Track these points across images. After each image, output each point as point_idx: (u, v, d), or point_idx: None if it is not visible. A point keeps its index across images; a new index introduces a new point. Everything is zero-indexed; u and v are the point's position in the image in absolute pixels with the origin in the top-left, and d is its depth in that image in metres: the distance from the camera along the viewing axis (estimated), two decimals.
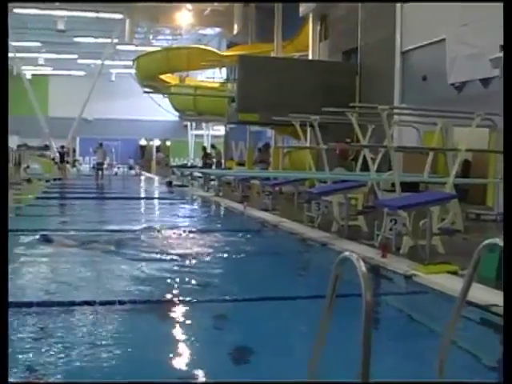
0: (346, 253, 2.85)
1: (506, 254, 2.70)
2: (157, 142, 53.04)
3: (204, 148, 34.84)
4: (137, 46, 40.74)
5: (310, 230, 11.00)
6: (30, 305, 6.13)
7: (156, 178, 35.93)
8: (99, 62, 41.75)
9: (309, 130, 17.12)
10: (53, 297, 6.53)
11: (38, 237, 10.37)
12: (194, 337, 5.25)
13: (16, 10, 34.59)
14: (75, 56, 45.79)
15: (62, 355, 4.71)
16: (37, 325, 5.62)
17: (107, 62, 42.89)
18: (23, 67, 41.50)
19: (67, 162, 35.14)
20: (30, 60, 45.02)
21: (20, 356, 4.69)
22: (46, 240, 10.27)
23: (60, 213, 17.46)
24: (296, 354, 4.76)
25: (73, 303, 6.14)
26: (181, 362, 4.65)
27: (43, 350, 4.85)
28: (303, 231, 11.02)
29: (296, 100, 17.37)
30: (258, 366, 4.60)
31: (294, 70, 19.03)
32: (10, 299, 6.24)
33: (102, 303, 6.10)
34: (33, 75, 46.22)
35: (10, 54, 39.62)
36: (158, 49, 36.24)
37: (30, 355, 4.74)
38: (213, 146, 33.44)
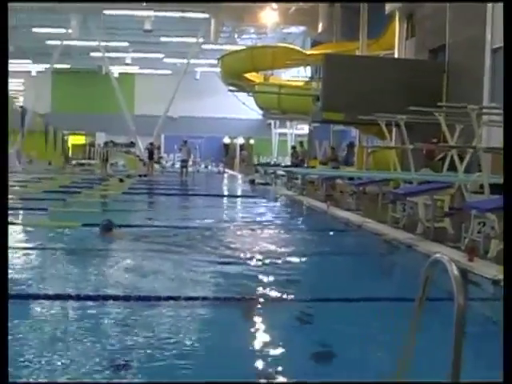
0: (437, 255, 2.77)
1: (506, 254, 2.62)
2: (240, 140, 53.44)
3: (293, 147, 34.88)
4: (222, 44, 41.10)
5: (394, 231, 10.83)
6: (116, 298, 6.29)
7: (239, 176, 36.18)
8: (185, 61, 42.33)
9: (394, 129, 16.85)
10: (135, 291, 6.61)
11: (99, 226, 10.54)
12: (275, 335, 5.23)
13: (106, 12, 35.51)
14: (161, 55, 46.60)
15: (147, 349, 4.79)
16: (122, 318, 5.76)
17: (193, 61, 43.45)
18: (111, 66, 42.56)
19: (154, 159, 35.82)
20: (118, 59, 46.09)
21: (106, 347, 4.81)
22: (106, 228, 10.45)
23: (143, 208, 17.78)
24: (379, 354, 4.69)
25: (159, 298, 6.28)
26: (262, 361, 4.62)
27: (129, 342, 4.94)
28: (387, 232, 10.86)
29: (381, 99, 17.12)
30: (340, 366, 4.55)
31: (380, 69, 18.78)
32: (96, 292, 6.54)
33: (187, 299, 6.19)
34: (120, 74, 47.29)
35: (99, 54, 40.73)
36: (243, 47, 36.44)
37: (116, 347, 4.84)
38: (301, 144, 33.37)
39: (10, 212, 14.33)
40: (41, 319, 5.81)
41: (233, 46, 40.15)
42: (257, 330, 5.45)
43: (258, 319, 5.89)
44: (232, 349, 4.89)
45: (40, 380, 4.28)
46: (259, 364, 4.53)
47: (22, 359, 4.61)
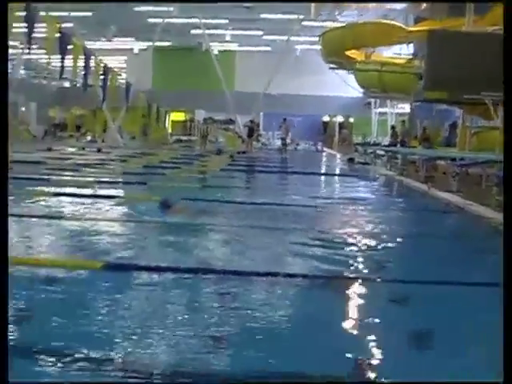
0: None
1: (506, 251, 2.58)
2: (339, 119, 52.87)
3: (393, 127, 34.21)
4: (322, 21, 40.61)
5: (499, 215, 10.39)
6: (213, 272, 6.32)
7: (338, 155, 35.84)
8: (285, 38, 42.13)
9: (502, 109, 16.16)
10: (232, 266, 6.66)
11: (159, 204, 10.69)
12: (369, 317, 5.13)
13: None
14: (261, 32, 46.56)
15: (243, 324, 4.81)
16: (219, 292, 5.73)
17: (293, 38, 43.19)
18: (211, 43, 42.84)
19: (253, 137, 35.93)
20: (218, 36, 46.36)
21: (201, 320, 4.87)
22: (165, 206, 10.60)
23: (241, 185, 17.86)
24: (476, 339, 4.50)
25: (258, 274, 6.26)
26: (356, 342, 4.55)
27: (225, 318, 4.97)
28: (491, 216, 10.43)
29: (488, 77, 16.44)
30: (438, 351, 4.38)
31: (487, 46, 18.01)
32: (189, 265, 6.60)
33: (285, 275, 6.15)
34: (220, 51, 47.60)
35: (200, 31, 41.07)
36: (344, 24, 35.88)
37: (212, 320, 4.89)
38: (402, 123, 32.68)
39: (112, 185, 14.81)
40: (138, 291, 5.89)
41: (333, 22, 39.61)
42: (350, 309, 5.38)
43: (350, 299, 5.78)
44: (327, 328, 4.83)
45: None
46: (353, 345, 4.45)
47: (118, 332, 4.69)
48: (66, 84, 55.34)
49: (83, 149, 30.79)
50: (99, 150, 29.14)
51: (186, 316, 5.12)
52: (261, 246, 7.96)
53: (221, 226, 9.36)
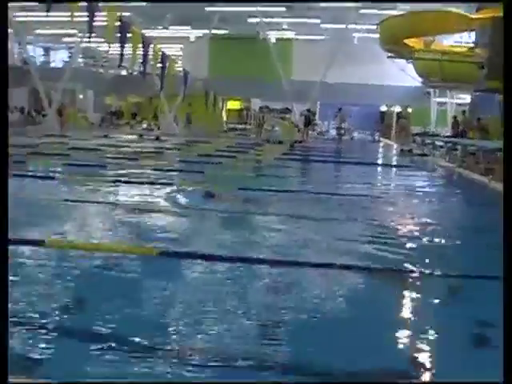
0: None
1: (507, 253, 2.47)
2: (397, 109, 52.09)
3: (454, 117, 33.55)
4: (381, 9, 39.96)
5: None
6: (261, 261, 6.31)
7: (395, 146, 35.30)
8: (342, 26, 41.66)
9: None
10: (286, 255, 6.62)
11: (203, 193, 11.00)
12: (431, 310, 5.07)
13: None
14: (318, 20, 46.12)
15: (296, 315, 4.77)
16: (272, 282, 5.73)
17: (350, 26, 42.67)
18: (268, 32, 42.66)
19: (309, 126, 35.67)
20: (275, 25, 46.12)
21: (255, 310, 4.83)
22: (209, 195, 10.87)
23: (296, 174, 17.72)
24: None
25: (316, 264, 6.17)
26: (416, 336, 4.42)
27: (277, 308, 4.94)
28: None
29: None
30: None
31: None
32: (245, 254, 6.56)
33: (341, 267, 6.09)
34: (277, 39, 47.37)
35: (257, 20, 40.89)
36: (403, 12, 35.20)
37: (264, 311, 4.86)
38: (463, 113, 31.98)
39: (166, 173, 14.85)
40: (192, 278, 5.93)
41: (392, 10, 38.92)
42: (408, 303, 5.32)
43: (412, 291, 5.65)
44: (382, 321, 4.77)
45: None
46: (408, 339, 4.39)
47: (167, 319, 4.72)
48: (123, 72, 55.95)
49: (141, 136, 31.05)
50: (157, 138, 29.34)
51: (238, 305, 5.09)
52: (314, 235, 7.85)
53: (274, 216, 9.30)
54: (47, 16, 19.69)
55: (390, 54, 32.48)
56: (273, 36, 45.76)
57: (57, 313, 4.89)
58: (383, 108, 52.91)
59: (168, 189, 11.93)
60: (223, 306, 5.04)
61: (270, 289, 5.51)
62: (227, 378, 3.85)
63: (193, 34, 48.77)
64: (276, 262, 6.31)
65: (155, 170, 15.19)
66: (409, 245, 7.44)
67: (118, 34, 15.05)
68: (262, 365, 3.98)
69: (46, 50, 56.42)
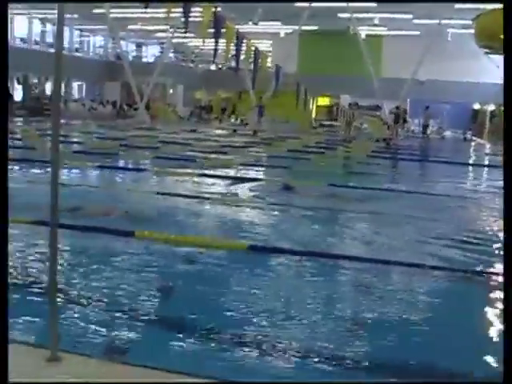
0: None
1: (506, 253, 2.59)
2: (491, 107, 50.56)
3: None
4: (477, 3, 38.78)
5: None
6: (354, 259, 6.25)
7: (487, 145, 34.19)
8: (435, 21, 40.68)
9: None
10: (373, 254, 6.57)
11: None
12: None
13: None
14: (410, 16, 45.24)
15: (386, 316, 4.72)
16: (361, 280, 5.70)
17: (444, 22, 41.63)
18: (358, 27, 42.14)
19: (398, 123, 35.01)
20: (366, 20, 45.53)
21: (344, 309, 4.80)
22: (287, 188, 10.96)
23: (385, 172, 17.37)
24: None
25: (400, 263, 6.09)
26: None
27: (366, 308, 4.90)
28: None
29: None
30: None
31: None
32: (334, 251, 6.48)
33: (431, 267, 5.95)
34: (367, 35, 46.75)
35: (347, 15, 40.45)
36: (500, 7, 34.01)
37: (354, 310, 4.85)
38: None
39: (255, 168, 14.83)
40: (280, 273, 5.96)
41: (489, 4, 37.71)
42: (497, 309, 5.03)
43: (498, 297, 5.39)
44: (474, 328, 4.65)
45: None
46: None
47: (255, 311, 4.76)
48: (212, 67, 56.51)
49: (234, 131, 31.20)
50: (255, 133, 29.44)
51: (325, 300, 5.10)
52: (403, 234, 7.72)
53: (364, 214, 9.16)
54: (145, 12, 20.06)
55: (486, 50, 31.50)
56: (363, 32, 45.16)
57: (147, 302, 4.99)
58: (476, 106, 51.46)
59: (255, 183, 11.90)
60: (310, 301, 5.03)
61: (355, 286, 5.51)
62: (308, 373, 3.82)
63: (283, 29, 48.75)
64: (364, 259, 6.24)
65: (243, 164, 15.19)
66: (496, 248, 7.17)
67: (212, 30, 15.09)
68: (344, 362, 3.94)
69: (139, 46, 57.63)
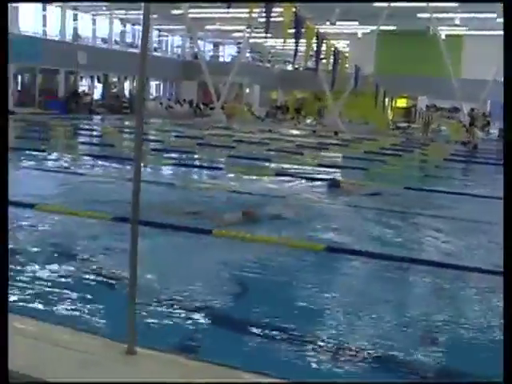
0: None
1: (506, 253, 2.62)
2: None
3: None
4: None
5: None
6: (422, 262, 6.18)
7: None
8: None
9: None
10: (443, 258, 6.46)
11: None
12: None
13: None
14: (494, 15, 44.10)
15: (454, 324, 4.63)
16: (432, 284, 5.63)
17: None
18: (438, 28, 41.32)
19: (476, 126, 34.13)
20: (446, 20, 44.63)
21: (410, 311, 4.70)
22: (333, 185, 10.93)
23: (461, 176, 16.97)
24: None
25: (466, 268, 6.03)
26: None
27: (437, 314, 4.83)
28: None
29: None
30: None
31: None
32: (405, 254, 6.37)
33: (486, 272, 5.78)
34: (447, 35, 45.81)
35: (427, 15, 39.72)
36: None
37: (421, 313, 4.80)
38: None
39: (331, 169, 14.73)
40: (354, 275, 5.97)
41: None
42: None
43: None
44: None
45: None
46: None
47: (327, 312, 4.79)
48: (289, 67, 56.48)
49: (314, 132, 31.09)
50: (336, 134, 29.30)
51: (398, 304, 5.06)
52: (479, 240, 7.58)
53: (440, 218, 8.97)
54: (227, 12, 20.17)
55: None
56: (443, 32, 44.28)
57: (220, 300, 5.02)
58: None
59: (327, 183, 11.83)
60: (383, 305, 5.01)
61: (430, 291, 5.44)
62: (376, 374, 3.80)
63: (360, 29, 48.34)
64: (436, 263, 6.13)
65: (319, 165, 15.11)
66: None
67: (293, 30, 15.08)
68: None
69: (216, 45, 58.17)
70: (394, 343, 4.21)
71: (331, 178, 11.97)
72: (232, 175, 12.98)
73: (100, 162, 14.17)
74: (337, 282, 5.68)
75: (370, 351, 4.07)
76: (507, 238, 2.74)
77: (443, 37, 42.83)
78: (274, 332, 4.38)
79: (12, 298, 4.70)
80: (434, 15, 39.78)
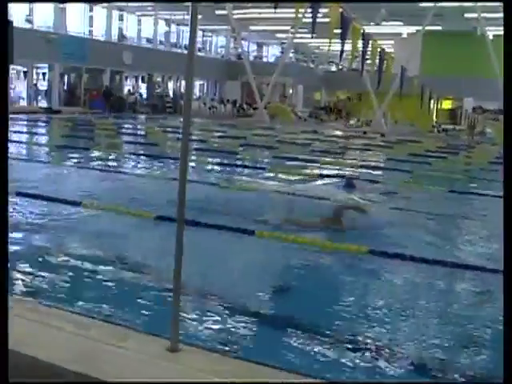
0: None
1: (506, 253, 2.67)
2: None
3: None
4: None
5: None
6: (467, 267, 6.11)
7: None
8: None
9: None
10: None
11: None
12: None
13: None
14: None
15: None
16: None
17: None
18: (486, 28, 40.70)
19: None
20: (494, 20, 43.96)
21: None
22: (349, 185, 10.90)
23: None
24: None
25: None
26: None
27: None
28: None
29: None
30: None
31: None
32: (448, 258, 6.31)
33: None
34: (495, 36, 45.10)
35: (474, 15, 39.14)
36: None
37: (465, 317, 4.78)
38: None
39: (374, 170, 14.62)
40: (396, 279, 5.96)
41: None
42: None
43: None
44: None
45: None
46: None
47: (366, 315, 4.74)
48: (333, 68, 56.29)
49: (364, 133, 30.91)
50: (383, 135, 29.14)
51: (441, 308, 5.06)
52: None
53: (483, 222, 8.87)
54: (274, 13, 20.10)
55: None
56: (490, 32, 43.61)
57: (265, 298, 5.13)
58: None
59: (373, 185, 11.74)
60: (425, 308, 5.02)
61: (471, 295, 5.40)
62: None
63: (405, 30, 47.88)
64: (481, 268, 6.03)
65: (362, 167, 15.02)
66: None
67: (339, 30, 15.00)
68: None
69: (259, 46, 58.24)
70: (431, 346, 4.18)
71: (347, 177, 11.90)
72: (273, 175, 12.98)
73: (144, 161, 14.32)
74: (381, 285, 5.62)
75: (406, 353, 4.10)
76: (507, 237, 2.74)
77: (491, 37, 42.19)
78: (314, 332, 4.39)
79: (60, 295, 4.80)
80: (482, 15, 39.20)
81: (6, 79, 3.02)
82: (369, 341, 4.26)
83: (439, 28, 45.44)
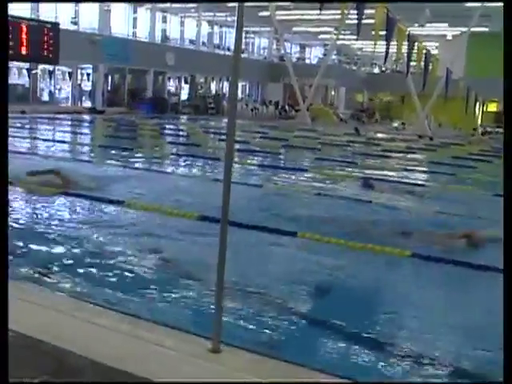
0: None
1: (506, 253, 2.68)
2: None
3: None
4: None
5: None
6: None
7: None
8: None
9: None
10: None
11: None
12: None
13: None
14: None
15: None
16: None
17: None
18: None
19: None
20: None
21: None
22: (367, 185, 10.83)
23: None
24: None
25: None
26: None
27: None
28: None
29: None
30: None
31: None
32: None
33: None
34: None
35: None
36: None
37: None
38: None
39: (417, 173, 14.47)
40: (436, 283, 5.84)
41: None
42: None
43: None
44: None
45: None
46: None
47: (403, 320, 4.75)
48: (375, 70, 55.90)
49: (420, 137, 30.52)
50: (431, 139, 28.84)
51: (481, 315, 4.92)
52: None
53: None
54: (319, 14, 20.05)
55: None
56: None
57: (304, 301, 5.13)
58: None
59: (417, 188, 11.61)
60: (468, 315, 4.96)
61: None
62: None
63: (450, 31, 47.27)
64: None
65: (406, 170, 14.89)
66: None
67: (384, 32, 14.88)
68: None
69: (302, 47, 58.14)
70: (468, 352, 4.13)
71: (365, 178, 11.79)
72: (314, 177, 12.90)
73: (186, 162, 14.38)
74: (422, 289, 5.55)
75: (443, 357, 4.07)
76: (507, 237, 2.72)
77: None
78: (355, 335, 4.38)
79: (102, 293, 4.84)
80: None
81: (6, 79, 3.05)
82: (406, 345, 4.23)
83: (485, 29, 44.73)
